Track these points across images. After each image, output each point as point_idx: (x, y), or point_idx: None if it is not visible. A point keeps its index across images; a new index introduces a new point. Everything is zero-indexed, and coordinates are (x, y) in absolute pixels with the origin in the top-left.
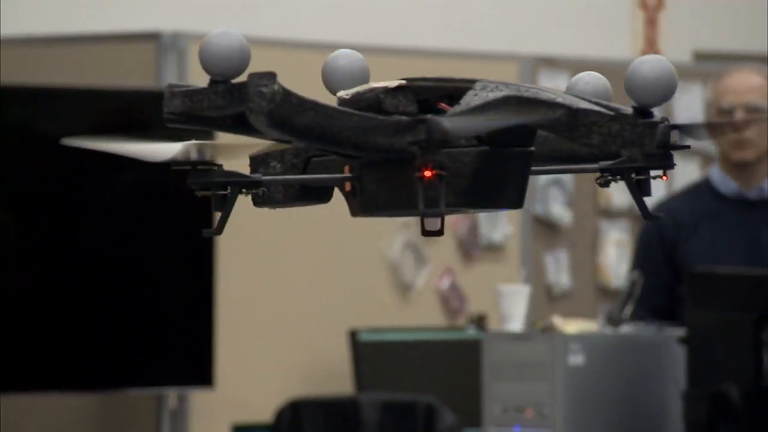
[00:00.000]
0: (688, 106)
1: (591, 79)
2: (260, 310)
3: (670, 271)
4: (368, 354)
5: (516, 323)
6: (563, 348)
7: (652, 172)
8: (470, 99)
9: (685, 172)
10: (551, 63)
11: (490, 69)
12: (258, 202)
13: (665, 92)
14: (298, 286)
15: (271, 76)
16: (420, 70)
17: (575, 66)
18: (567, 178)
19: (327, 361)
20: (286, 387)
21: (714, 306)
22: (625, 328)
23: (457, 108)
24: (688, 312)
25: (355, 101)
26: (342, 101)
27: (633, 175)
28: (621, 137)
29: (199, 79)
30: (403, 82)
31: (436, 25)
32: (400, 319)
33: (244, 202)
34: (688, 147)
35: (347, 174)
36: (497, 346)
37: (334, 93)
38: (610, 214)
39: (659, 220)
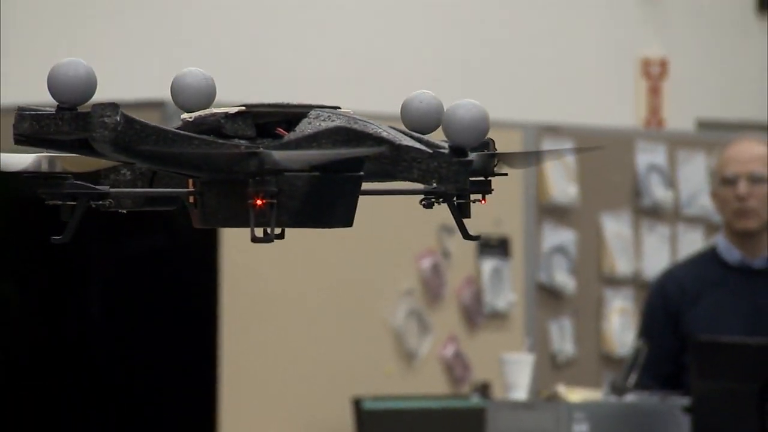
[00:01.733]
0: (691, 174)
1: (425, 98)
2: (264, 377)
3: (676, 339)
4: (372, 422)
5: (520, 392)
6: (568, 417)
7: (473, 196)
8: (304, 127)
9: (690, 239)
10: (556, 131)
11: (494, 137)
12: (107, 209)
13: (478, 133)
14: (301, 354)
15: (114, 106)
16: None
17: (580, 134)
18: (570, 246)
19: (330, 429)
20: None
21: (718, 375)
22: (630, 397)
23: (291, 135)
24: (693, 381)
25: (198, 124)
26: (185, 124)
27: (454, 199)
28: (438, 173)
29: None
30: (243, 108)
31: (443, 92)
32: (403, 387)
33: (245, 263)
34: (506, 174)
35: (190, 188)
36: (502, 415)
37: (184, 110)
38: (613, 282)
39: (478, 240)
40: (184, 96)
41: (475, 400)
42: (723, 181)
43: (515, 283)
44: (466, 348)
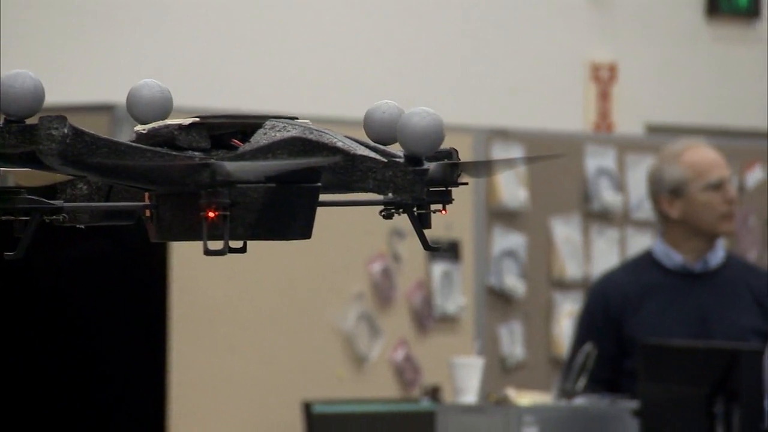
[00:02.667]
0: (640, 178)
1: (387, 108)
2: (214, 381)
3: (616, 345)
4: (322, 426)
5: (470, 395)
6: (517, 420)
7: (433, 206)
8: (259, 138)
9: (639, 243)
10: (505, 135)
11: (444, 141)
12: (61, 224)
13: (433, 142)
14: (251, 358)
15: (62, 119)
16: None
17: (529, 138)
18: (520, 250)
19: None
20: None
21: (666, 379)
22: (579, 401)
23: (245, 146)
24: (641, 385)
25: (151, 136)
26: (139, 136)
27: (414, 209)
28: (393, 183)
29: None
30: (197, 119)
31: (392, 95)
32: (354, 390)
33: (196, 267)
34: (466, 184)
35: (146, 202)
36: (451, 419)
37: (140, 122)
38: (563, 285)
39: (438, 251)
40: (140, 108)
41: (425, 404)
42: (708, 187)
43: (465, 286)
44: (416, 351)
